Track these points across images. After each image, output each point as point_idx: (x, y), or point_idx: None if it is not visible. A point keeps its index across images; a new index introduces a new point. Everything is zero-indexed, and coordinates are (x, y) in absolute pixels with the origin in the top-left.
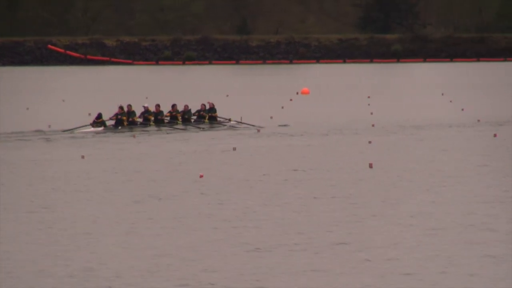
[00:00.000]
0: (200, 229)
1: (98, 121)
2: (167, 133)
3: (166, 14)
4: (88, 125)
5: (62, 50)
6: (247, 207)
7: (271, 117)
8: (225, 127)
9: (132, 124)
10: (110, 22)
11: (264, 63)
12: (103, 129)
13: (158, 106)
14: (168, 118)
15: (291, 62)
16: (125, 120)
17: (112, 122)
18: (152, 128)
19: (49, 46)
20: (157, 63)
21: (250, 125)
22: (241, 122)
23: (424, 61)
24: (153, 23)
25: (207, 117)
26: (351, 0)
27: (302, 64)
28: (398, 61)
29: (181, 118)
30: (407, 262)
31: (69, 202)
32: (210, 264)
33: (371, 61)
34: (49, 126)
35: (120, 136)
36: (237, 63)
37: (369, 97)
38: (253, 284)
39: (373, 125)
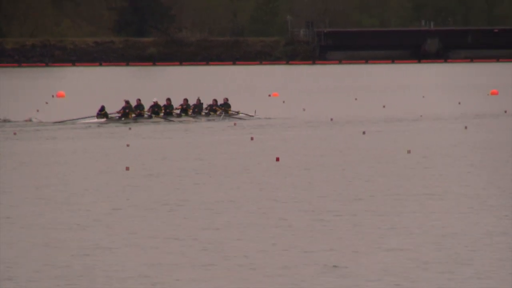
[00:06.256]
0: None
1: (102, 113)
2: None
3: None
4: (92, 116)
5: None
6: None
7: (30, 120)
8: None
9: (139, 116)
10: None
11: (19, 66)
12: (106, 120)
13: (168, 100)
14: (179, 111)
15: (47, 65)
16: (131, 113)
17: (118, 114)
18: (156, 119)
19: None
20: None
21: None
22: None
23: (181, 64)
24: None
25: (220, 110)
26: (107, 3)
27: (58, 67)
28: (154, 64)
29: (191, 112)
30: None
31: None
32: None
33: (127, 64)
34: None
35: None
36: None
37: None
38: None
39: (130, 129)
